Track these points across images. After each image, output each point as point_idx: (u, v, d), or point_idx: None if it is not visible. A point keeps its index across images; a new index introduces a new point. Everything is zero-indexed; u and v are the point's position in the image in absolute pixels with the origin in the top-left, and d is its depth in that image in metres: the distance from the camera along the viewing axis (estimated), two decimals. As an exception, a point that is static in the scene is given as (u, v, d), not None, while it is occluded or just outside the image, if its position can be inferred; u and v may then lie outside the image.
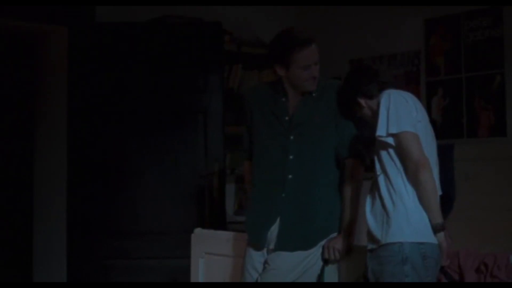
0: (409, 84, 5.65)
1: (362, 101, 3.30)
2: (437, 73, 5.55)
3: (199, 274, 4.04)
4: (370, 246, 3.13)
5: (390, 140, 3.09)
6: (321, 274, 3.40)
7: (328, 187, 3.42)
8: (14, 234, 5.88)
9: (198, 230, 4.14)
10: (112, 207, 5.25)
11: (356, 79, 3.36)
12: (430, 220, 3.05)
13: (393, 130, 3.07)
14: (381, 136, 3.10)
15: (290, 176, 3.40)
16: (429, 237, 3.05)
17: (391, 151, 3.11)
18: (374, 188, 3.18)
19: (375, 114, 3.22)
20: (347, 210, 3.38)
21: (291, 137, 3.42)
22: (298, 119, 3.42)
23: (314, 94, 3.44)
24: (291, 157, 3.41)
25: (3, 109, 5.96)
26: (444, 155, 5.48)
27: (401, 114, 3.09)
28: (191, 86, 5.32)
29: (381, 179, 3.13)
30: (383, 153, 3.14)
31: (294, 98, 3.45)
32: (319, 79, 3.43)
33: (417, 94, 5.56)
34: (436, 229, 3.04)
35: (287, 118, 3.44)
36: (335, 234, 3.38)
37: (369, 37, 5.89)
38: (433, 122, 5.40)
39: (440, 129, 5.44)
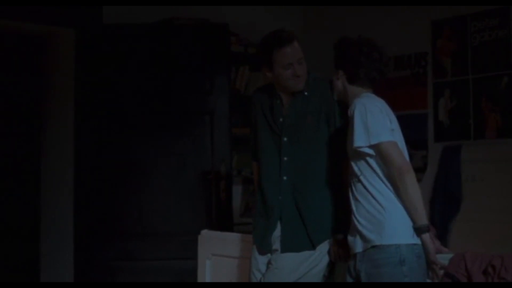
0: (416, 85, 5.65)
1: (340, 73, 3.25)
2: (444, 74, 5.53)
3: (206, 275, 4.04)
4: (359, 249, 3.11)
5: (369, 150, 3.09)
6: (329, 275, 3.39)
7: (326, 188, 3.38)
8: (21, 236, 5.89)
9: (205, 232, 4.14)
10: (119, 208, 5.26)
11: (348, 49, 3.29)
12: (415, 222, 3.06)
13: (374, 141, 3.07)
14: (361, 147, 3.09)
15: (285, 178, 3.39)
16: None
17: (369, 159, 3.11)
18: (357, 191, 3.15)
19: (345, 96, 3.23)
20: (349, 212, 3.31)
21: (284, 139, 3.42)
22: (289, 121, 3.42)
23: (306, 93, 3.41)
24: (285, 158, 3.40)
25: (10, 111, 5.97)
26: (451, 156, 5.50)
27: (379, 124, 3.10)
28: (198, 88, 5.32)
29: (365, 183, 3.11)
30: (361, 162, 3.13)
31: (287, 99, 3.45)
32: (312, 77, 3.42)
33: (424, 95, 5.57)
34: (421, 231, 3.06)
35: (281, 119, 3.44)
36: (341, 236, 3.34)
37: (376, 39, 5.87)
38: (440, 123, 5.48)
39: (447, 131, 5.43)
